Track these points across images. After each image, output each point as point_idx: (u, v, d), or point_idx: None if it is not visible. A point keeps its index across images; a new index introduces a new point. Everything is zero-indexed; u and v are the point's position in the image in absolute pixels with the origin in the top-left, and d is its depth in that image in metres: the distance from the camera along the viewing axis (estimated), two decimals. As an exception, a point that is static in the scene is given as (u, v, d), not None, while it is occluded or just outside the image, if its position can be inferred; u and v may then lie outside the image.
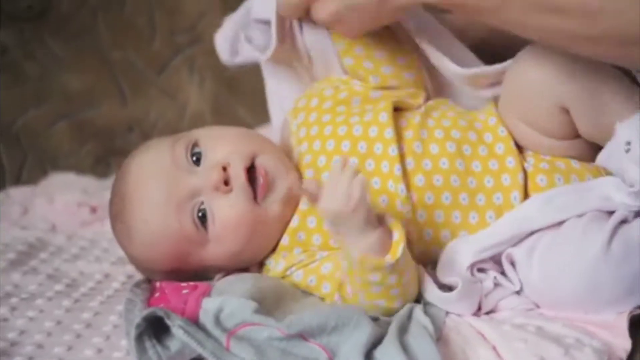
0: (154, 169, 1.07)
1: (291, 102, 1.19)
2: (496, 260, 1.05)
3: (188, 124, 1.65)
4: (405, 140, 1.09)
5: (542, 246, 1.02)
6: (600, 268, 0.97)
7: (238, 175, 1.06)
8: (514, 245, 1.04)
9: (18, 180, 1.56)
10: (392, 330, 0.94)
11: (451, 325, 0.99)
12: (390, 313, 1.00)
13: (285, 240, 1.09)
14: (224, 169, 1.05)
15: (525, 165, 1.09)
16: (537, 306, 1.03)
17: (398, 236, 0.99)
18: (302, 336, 0.92)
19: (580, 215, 1.01)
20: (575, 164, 1.09)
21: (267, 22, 1.17)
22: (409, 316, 0.98)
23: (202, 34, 1.67)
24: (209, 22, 1.67)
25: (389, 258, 0.97)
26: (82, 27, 1.61)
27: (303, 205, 1.08)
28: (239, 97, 1.70)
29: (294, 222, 1.08)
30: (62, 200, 1.43)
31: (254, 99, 1.69)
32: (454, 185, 1.07)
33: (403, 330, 0.95)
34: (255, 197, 1.06)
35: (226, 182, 1.05)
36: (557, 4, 0.93)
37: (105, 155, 1.62)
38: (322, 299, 1.05)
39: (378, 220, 1.00)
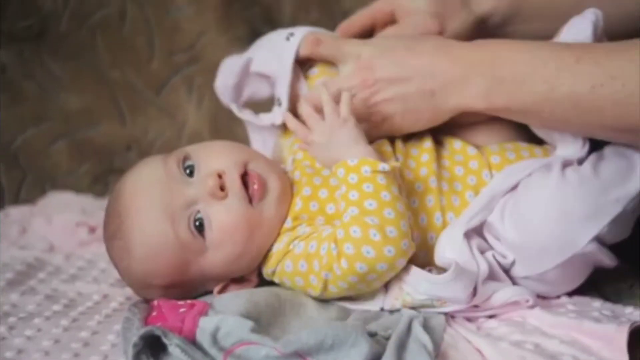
0: (148, 183, 1.09)
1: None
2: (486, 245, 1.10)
3: (186, 143, 1.64)
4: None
5: (509, 204, 1.09)
6: (562, 193, 1.05)
7: (233, 181, 1.08)
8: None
9: (17, 199, 1.56)
10: (390, 347, 0.94)
11: (449, 341, 0.99)
12: (383, 258, 1.03)
13: (288, 223, 1.10)
14: (220, 176, 1.08)
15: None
16: (530, 302, 1.05)
17: (394, 162, 1.07)
18: (299, 355, 0.92)
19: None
20: (522, 144, 1.17)
21: (267, 76, 1.22)
22: (408, 331, 0.98)
23: (200, 53, 1.68)
24: (208, 41, 1.68)
25: (384, 164, 1.05)
26: (81, 47, 1.62)
27: (305, 192, 1.11)
28: (237, 116, 1.70)
29: (297, 206, 1.11)
30: (61, 220, 1.43)
31: (253, 118, 1.70)
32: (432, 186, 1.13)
33: (401, 347, 0.95)
34: (250, 201, 1.08)
35: (222, 188, 1.08)
36: (594, 104, 1.02)
37: (104, 174, 1.62)
38: (320, 262, 1.06)
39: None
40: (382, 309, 1.07)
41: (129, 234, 1.08)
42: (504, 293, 1.06)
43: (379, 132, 1.15)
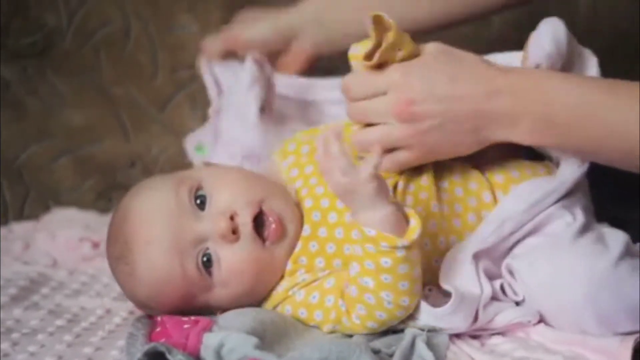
0: (158, 213, 1.07)
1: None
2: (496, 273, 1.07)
3: (190, 161, 1.65)
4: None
5: (542, 253, 1.04)
6: (606, 281, 0.99)
7: (245, 224, 1.06)
8: (509, 251, 1.07)
9: (21, 216, 1.56)
10: (394, 364, 0.94)
11: (453, 358, 0.99)
12: (394, 318, 1.02)
13: (288, 267, 1.09)
14: (232, 218, 1.05)
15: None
16: (533, 322, 1.04)
17: (415, 222, 1.00)
18: (303, 371, 0.92)
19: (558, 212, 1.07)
20: (524, 162, 1.14)
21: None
22: (411, 348, 0.98)
23: (204, 70, 1.68)
24: (211, 58, 1.68)
25: (404, 239, 0.98)
26: (85, 64, 1.62)
27: (305, 231, 1.09)
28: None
29: (297, 248, 1.09)
30: (64, 236, 1.43)
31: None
32: (434, 210, 1.10)
33: (405, 364, 0.95)
34: (263, 242, 1.07)
35: (234, 231, 1.05)
36: None
37: (107, 190, 1.62)
38: (325, 314, 1.05)
39: (395, 206, 1.01)
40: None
41: (137, 264, 1.06)
42: (507, 314, 1.04)
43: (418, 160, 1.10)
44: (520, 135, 1.04)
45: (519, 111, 1.03)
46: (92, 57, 1.62)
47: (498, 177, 1.13)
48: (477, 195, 1.12)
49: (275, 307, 1.09)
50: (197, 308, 1.09)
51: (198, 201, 1.08)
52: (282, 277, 1.09)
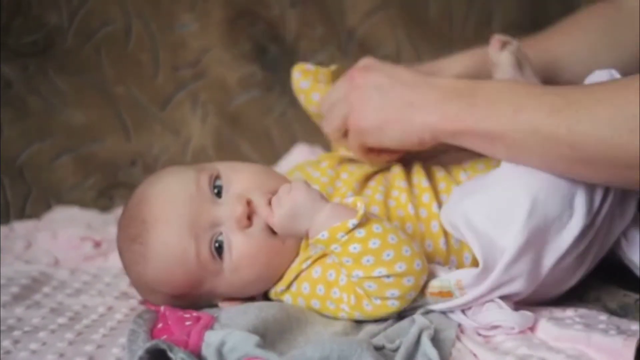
0: (179, 195, 1.09)
1: None
2: None
3: (191, 159, 1.65)
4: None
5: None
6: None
7: (260, 211, 1.08)
8: None
9: (22, 214, 1.56)
10: (398, 361, 0.94)
11: (456, 355, 0.99)
12: (407, 288, 1.03)
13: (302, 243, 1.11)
14: (249, 203, 1.08)
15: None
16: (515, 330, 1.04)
17: (359, 202, 1.04)
18: (305, 370, 0.92)
19: None
20: (465, 163, 1.21)
21: None
22: (416, 344, 0.98)
23: (205, 69, 1.68)
24: (213, 57, 1.68)
25: (353, 219, 1.02)
26: (86, 63, 1.62)
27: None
28: (242, 132, 1.71)
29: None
30: (66, 235, 1.43)
31: (257, 134, 1.71)
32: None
33: (409, 361, 0.95)
34: (274, 231, 1.08)
35: (249, 217, 1.07)
36: (551, 130, 1.03)
37: (108, 188, 1.62)
38: (343, 292, 1.06)
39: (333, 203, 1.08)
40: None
41: (152, 242, 1.09)
42: (493, 315, 1.05)
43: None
44: (443, 118, 1.11)
45: (449, 97, 1.12)
46: (93, 56, 1.62)
47: (463, 175, 1.19)
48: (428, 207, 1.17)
49: (290, 285, 1.10)
50: (202, 296, 1.11)
51: (215, 190, 1.11)
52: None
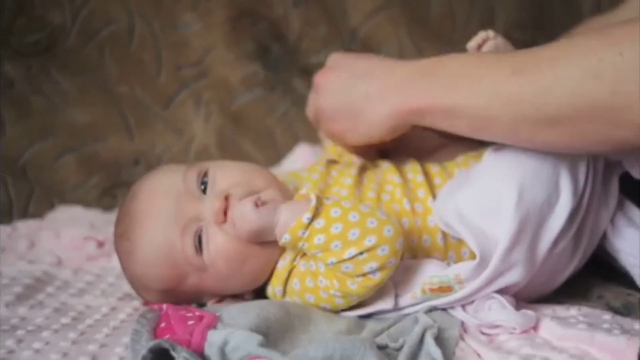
0: (167, 190, 1.11)
1: None
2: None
3: (194, 158, 1.66)
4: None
5: None
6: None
7: (235, 207, 1.08)
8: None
9: (25, 214, 1.57)
10: (401, 360, 0.94)
11: (460, 355, 0.99)
12: (383, 258, 1.03)
13: (287, 239, 1.09)
14: (226, 198, 1.08)
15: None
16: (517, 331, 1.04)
17: (311, 193, 1.06)
18: (308, 369, 0.92)
19: None
20: (459, 159, 1.22)
21: None
22: (420, 344, 0.98)
23: (208, 68, 1.68)
24: (215, 56, 1.68)
25: (307, 213, 1.04)
26: (89, 62, 1.62)
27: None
28: (245, 131, 1.71)
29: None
30: (69, 234, 1.43)
31: (259, 133, 1.71)
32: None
33: (412, 360, 0.96)
34: None
35: (225, 212, 1.08)
36: (514, 92, 1.02)
37: (111, 188, 1.63)
38: (327, 279, 1.07)
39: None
40: (396, 308, 1.08)
41: (137, 237, 1.10)
42: (494, 314, 1.06)
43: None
44: (410, 99, 1.12)
45: (411, 78, 1.12)
46: (96, 56, 1.63)
47: (457, 171, 1.19)
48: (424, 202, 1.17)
49: (285, 284, 1.11)
50: (188, 292, 1.12)
51: (202, 186, 1.12)
52: (283, 251, 1.12)
